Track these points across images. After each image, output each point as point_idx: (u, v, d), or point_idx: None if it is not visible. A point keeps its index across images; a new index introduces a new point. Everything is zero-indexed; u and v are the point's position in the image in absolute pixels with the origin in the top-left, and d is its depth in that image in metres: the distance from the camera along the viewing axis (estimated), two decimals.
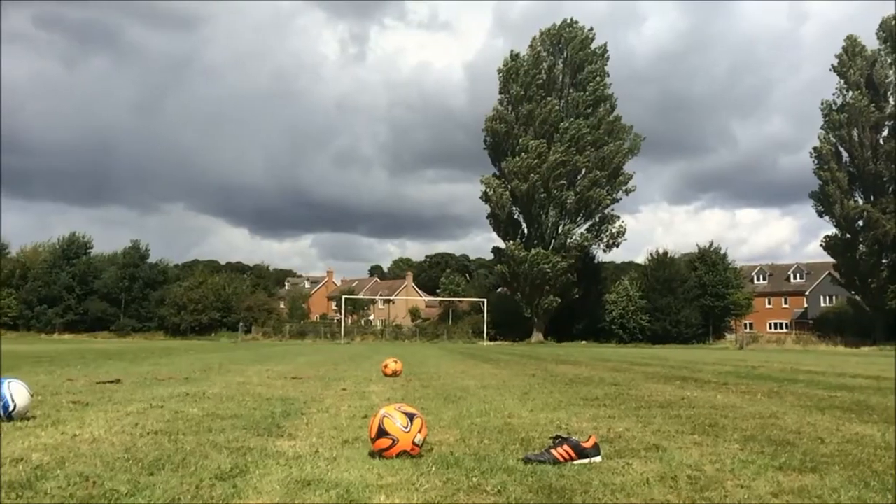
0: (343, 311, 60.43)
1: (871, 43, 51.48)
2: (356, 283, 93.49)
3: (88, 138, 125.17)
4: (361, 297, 78.02)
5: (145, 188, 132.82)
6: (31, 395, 4.68)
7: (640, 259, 62.91)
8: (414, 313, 76.41)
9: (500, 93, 55.19)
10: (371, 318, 77.14)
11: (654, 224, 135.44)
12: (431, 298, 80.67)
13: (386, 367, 9.65)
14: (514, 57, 54.82)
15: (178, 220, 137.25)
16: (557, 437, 3.43)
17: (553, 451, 3.30)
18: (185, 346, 31.13)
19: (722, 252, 58.27)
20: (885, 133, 50.93)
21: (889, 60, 50.77)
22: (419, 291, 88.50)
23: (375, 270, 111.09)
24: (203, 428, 4.26)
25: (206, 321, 59.98)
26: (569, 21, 55.34)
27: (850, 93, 50.53)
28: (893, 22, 50.61)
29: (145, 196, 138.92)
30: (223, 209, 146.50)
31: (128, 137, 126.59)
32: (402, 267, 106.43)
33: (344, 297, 62.83)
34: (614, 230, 54.75)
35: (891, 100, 50.43)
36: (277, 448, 3.61)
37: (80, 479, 2.82)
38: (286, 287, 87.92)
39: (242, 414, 5.00)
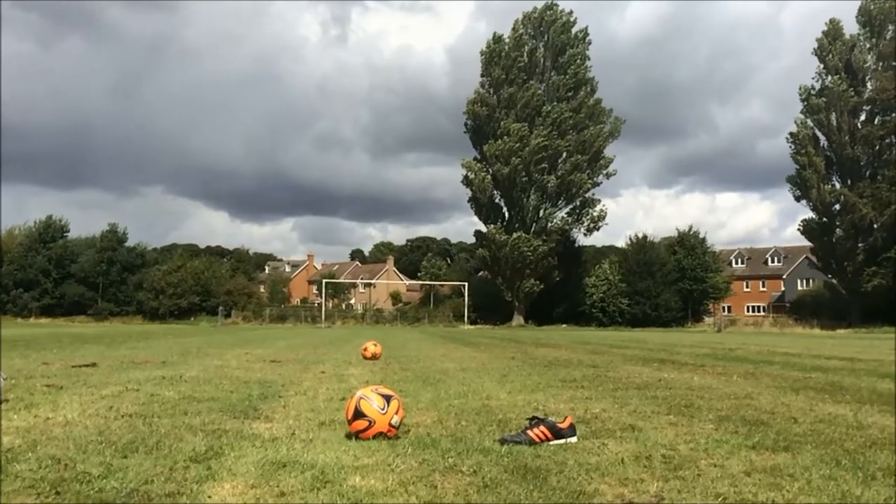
0: (324, 295, 60.30)
1: (851, 28, 51.87)
2: (337, 266, 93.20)
3: (65, 120, 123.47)
4: (342, 280, 77.86)
5: (123, 171, 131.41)
6: (5, 379, 4.62)
7: (621, 243, 63.25)
8: (395, 297, 76.44)
9: (482, 75, 55.04)
10: (352, 301, 77.06)
11: (635, 208, 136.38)
12: (412, 282, 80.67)
13: (365, 350, 9.64)
14: (497, 40, 54.67)
15: (157, 204, 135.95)
16: (534, 418, 3.44)
17: (529, 431, 3.31)
18: (163, 330, 30.93)
19: (701, 236, 58.74)
20: (862, 118, 51.39)
21: (868, 45, 51.17)
22: (400, 275, 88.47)
23: (356, 254, 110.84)
24: (179, 411, 4.23)
25: (186, 305, 59.58)
26: (550, 4, 55.19)
27: (829, 77, 50.88)
28: (872, 6, 50.97)
29: (123, 179, 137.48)
30: (203, 192, 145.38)
31: (105, 119, 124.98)
32: (383, 251, 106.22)
33: (325, 280, 62.65)
34: (595, 214, 54.98)
35: (869, 84, 50.85)
36: (253, 430, 3.60)
37: (52, 461, 2.79)
38: (266, 271, 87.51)
39: (219, 397, 4.97)
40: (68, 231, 66.85)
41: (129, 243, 65.98)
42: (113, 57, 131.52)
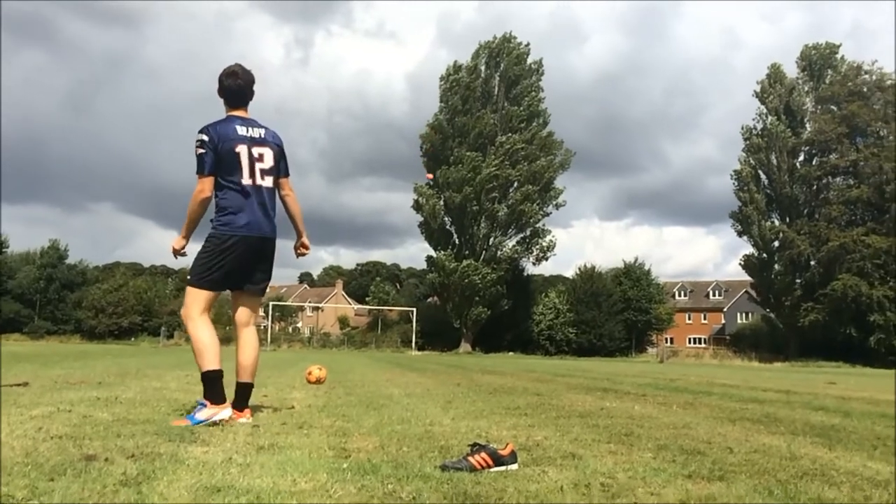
0: (270, 318, 59.42)
1: (792, 71, 54.07)
2: (285, 289, 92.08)
3: (16, 133, 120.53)
4: (289, 303, 76.86)
5: (73, 186, 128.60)
6: None
7: (570, 272, 64.07)
8: (343, 321, 75.75)
9: (441, 101, 55.53)
10: (299, 325, 76.11)
11: (585, 239, 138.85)
12: (361, 307, 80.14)
13: (310, 374, 9.49)
14: (458, 69, 55.26)
15: (105, 221, 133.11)
16: (475, 444, 3.44)
17: (470, 458, 3.31)
18: (102, 349, 30.04)
19: (646, 268, 59.85)
20: (801, 158, 53.36)
21: (806, 88, 53.31)
22: (349, 299, 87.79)
23: (305, 277, 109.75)
24: (111, 433, 4.10)
25: (126, 325, 58.06)
26: (507, 36, 56.15)
27: (769, 118, 52.83)
28: (812, 52, 53.18)
29: (72, 195, 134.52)
30: (153, 211, 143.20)
31: (59, 134, 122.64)
32: (332, 274, 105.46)
33: (271, 303, 61.77)
34: (545, 244, 55.67)
35: (807, 126, 52.91)
36: (189, 454, 3.51)
37: None
38: None
39: (155, 419, 4.84)
40: (7, 247, 64.77)
41: (70, 260, 64.25)
42: (72, 72, 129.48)
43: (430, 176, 52.29)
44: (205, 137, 4.51)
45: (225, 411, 4.59)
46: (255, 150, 4.63)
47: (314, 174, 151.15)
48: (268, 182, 4.73)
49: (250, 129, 4.66)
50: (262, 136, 4.70)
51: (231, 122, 4.65)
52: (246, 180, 4.59)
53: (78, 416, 4.83)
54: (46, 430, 4.14)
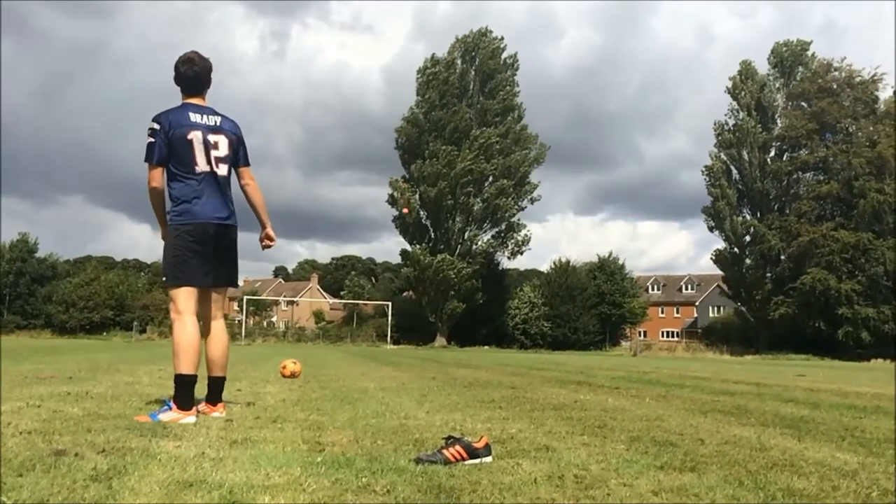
0: (244, 312, 58.99)
1: (763, 68, 54.75)
2: (259, 283, 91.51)
3: None
4: (264, 297, 76.37)
5: (43, 178, 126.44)
6: None
7: (545, 267, 64.37)
8: (318, 316, 75.42)
9: (417, 95, 55.39)
10: (274, 319, 75.65)
11: (560, 233, 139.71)
12: (336, 301, 79.87)
13: (284, 368, 9.45)
14: (434, 63, 55.14)
15: (76, 214, 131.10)
16: (450, 437, 3.44)
17: (445, 451, 3.31)
18: (73, 344, 29.63)
19: (620, 262, 60.31)
20: (772, 153, 54.04)
21: (777, 85, 53.97)
22: (324, 294, 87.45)
23: (280, 271, 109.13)
24: (82, 428, 4.04)
25: (98, 319, 57.27)
26: (483, 30, 56.16)
27: (741, 114, 53.44)
28: (784, 49, 53.83)
29: (42, 187, 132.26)
30: (125, 204, 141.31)
31: (27, 125, 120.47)
32: (307, 269, 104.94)
33: (245, 297, 61.29)
34: (520, 238, 55.82)
35: (778, 122, 53.57)
36: (161, 449, 3.47)
37: None
38: None
39: (127, 414, 4.78)
40: None
41: (41, 254, 63.28)
42: (42, 63, 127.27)
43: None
44: (156, 126, 4.44)
45: (189, 418, 4.43)
46: (210, 138, 4.54)
47: (290, 168, 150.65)
48: (223, 170, 4.60)
49: (205, 116, 4.58)
50: (218, 123, 4.62)
51: (185, 110, 4.56)
52: (200, 167, 4.50)
53: (48, 411, 4.76)
54: (15, 425, 4.07)
